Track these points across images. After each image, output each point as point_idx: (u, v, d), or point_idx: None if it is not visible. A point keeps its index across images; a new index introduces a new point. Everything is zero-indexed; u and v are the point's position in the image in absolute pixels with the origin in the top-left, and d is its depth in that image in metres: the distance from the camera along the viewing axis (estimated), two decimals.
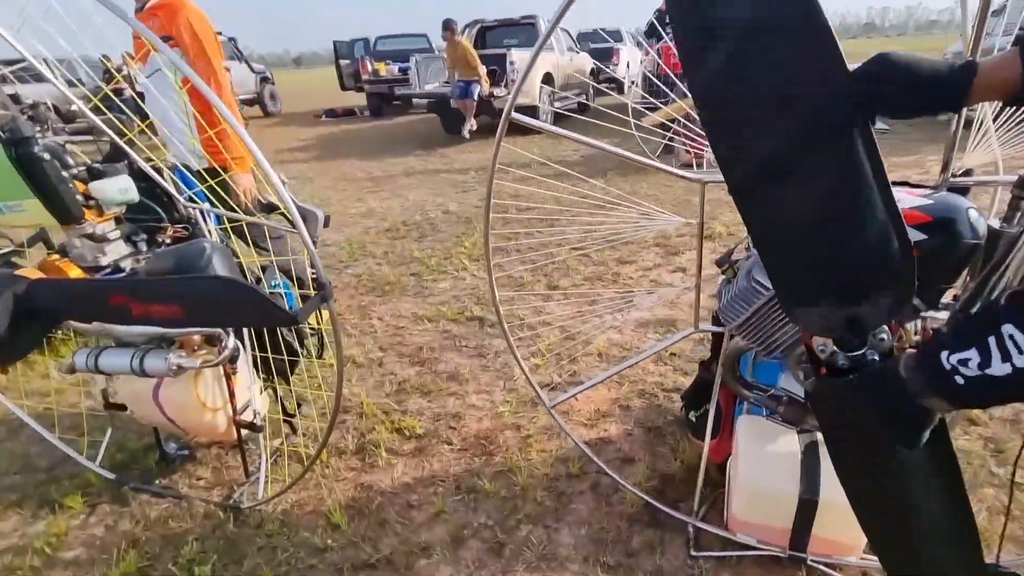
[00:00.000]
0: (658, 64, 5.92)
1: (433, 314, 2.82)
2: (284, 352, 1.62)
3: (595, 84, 10.61)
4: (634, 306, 2.72)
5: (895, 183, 0.99)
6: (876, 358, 0.82)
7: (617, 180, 5.03)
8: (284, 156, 7.87)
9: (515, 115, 1.09)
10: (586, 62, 9.82)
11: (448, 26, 7.30)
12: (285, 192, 1.10)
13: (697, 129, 5.16)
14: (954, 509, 0.81)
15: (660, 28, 5.86)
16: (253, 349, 1.64)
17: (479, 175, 5.82)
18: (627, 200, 1.47)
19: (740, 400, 1.42)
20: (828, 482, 1.17)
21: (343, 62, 13.14)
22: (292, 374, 1.85)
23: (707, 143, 1.06)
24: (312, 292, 1.17)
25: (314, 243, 1.22)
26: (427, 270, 3.41)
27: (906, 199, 0.84)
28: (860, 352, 0.83)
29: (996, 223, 0.89)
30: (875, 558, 1.33)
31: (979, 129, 0.91)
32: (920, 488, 0.81)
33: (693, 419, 1.55)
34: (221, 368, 1.48)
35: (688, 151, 5.36)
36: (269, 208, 1.33)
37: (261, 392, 1.72)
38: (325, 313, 1.76)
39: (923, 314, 0.89)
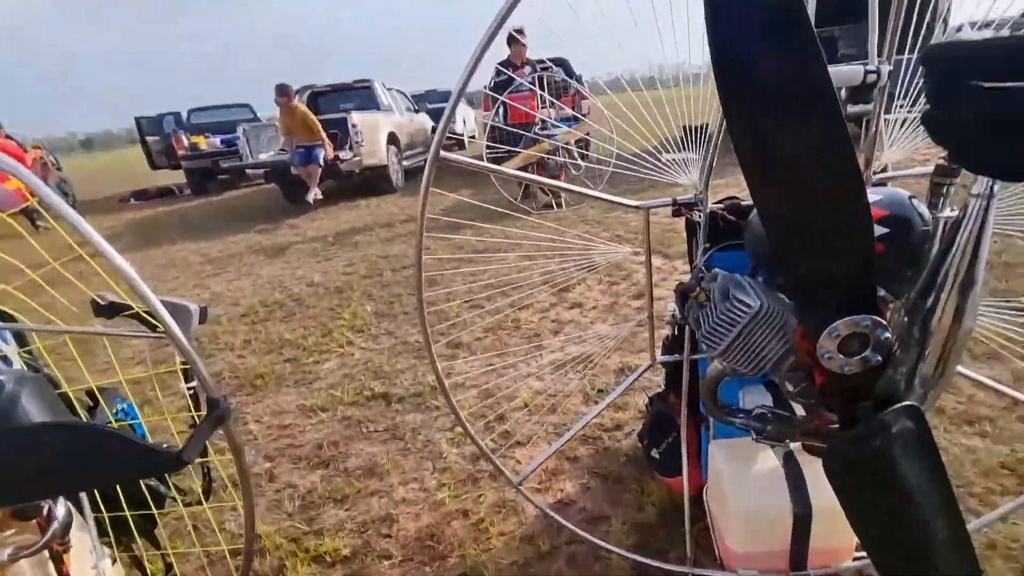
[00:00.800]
0: (505, 116, 6.22)
1: (325, 401, 2.41)
2: (145, 497, 1.18)
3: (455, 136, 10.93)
4: (547, 349, 2.64)
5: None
6: (880, 358, 0.81)
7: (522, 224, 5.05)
8: (86, 249, 6.52)
9: (447, 154, 0.93)
10: (426, 121, 10.04)
11: (284, 91, 6.89)
12: (143, 285, 0.78)
13: (553, 170, 5.39)
14: (945, 501, 0.82)
15: (503, 81, 6.20)
16: (96, 507, 1.16)
17: (340, 241, 5.42)
18: (557, 238, 1.38)
19: (704, 427, 1.37)
20: (816, 489, 1.15)
21: (151, 139, 11.68)
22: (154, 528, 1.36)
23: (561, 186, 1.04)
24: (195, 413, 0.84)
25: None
26: (305, 352, 2.96)
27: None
28: (863, 354, 0.82)
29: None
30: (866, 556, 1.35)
31: (894, 128, 1.01)
32: (923, 491, 0.81)
33: (657, 456, 1.47)
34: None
35: (546, 192, 5.66)
36: (111, 310, 0.96)
37: (114, 563, 1.22)
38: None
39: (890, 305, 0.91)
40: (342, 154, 7.46)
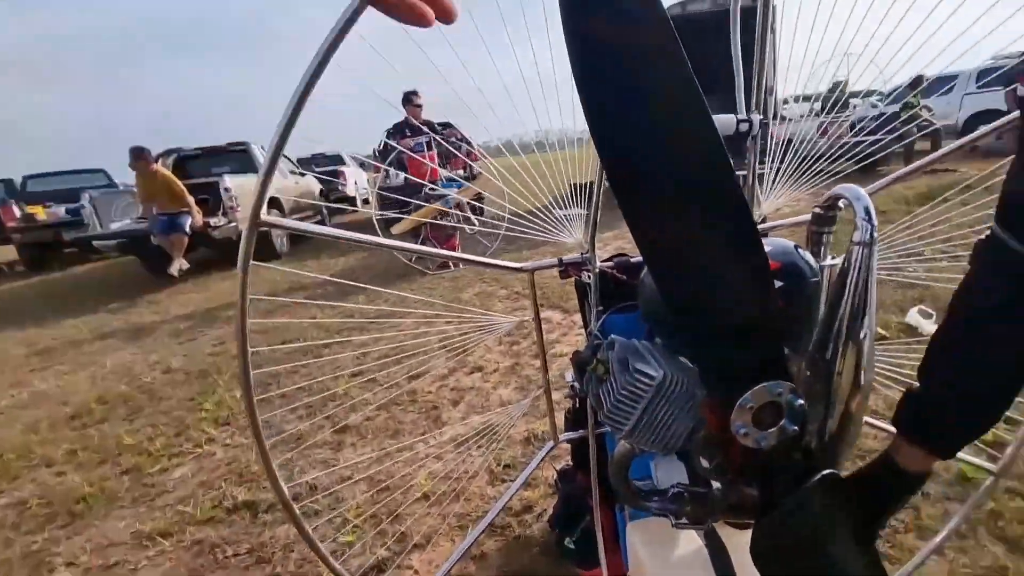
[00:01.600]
0: (396, 175, 6.10)
1: (169, 523, 1.93)
2: None
3: (328, 204, 10.51)
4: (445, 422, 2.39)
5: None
6: (796, 428, 0.72)
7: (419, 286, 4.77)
8: None
9: (268, 218, 0.73)
10: (313, 184, 9.64)
11: (139, 155, 6.18)
12: None
13: (449, 230, 5.28)
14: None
15: (393, 143, 6.12)
16: None
17: (209, 316, 4.78)
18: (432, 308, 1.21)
19: (619, 507, 1.22)
20: (740, 563, 1.03)
21: None
22: None
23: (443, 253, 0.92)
24: None
25: None
26: (149, 459, 2.41)
27: None
28: (778, 424, 0.72)
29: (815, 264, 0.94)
30: None
31: (767, 180, 0.99)
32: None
33: (572, 546, 1.29)
34: None
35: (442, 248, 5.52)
36: None
37: None
38: None
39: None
40: (214, 220, 6.81)
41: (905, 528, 1.47)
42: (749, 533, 1.13)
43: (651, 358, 0.82)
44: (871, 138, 0.97)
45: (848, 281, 0.76)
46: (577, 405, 1.18)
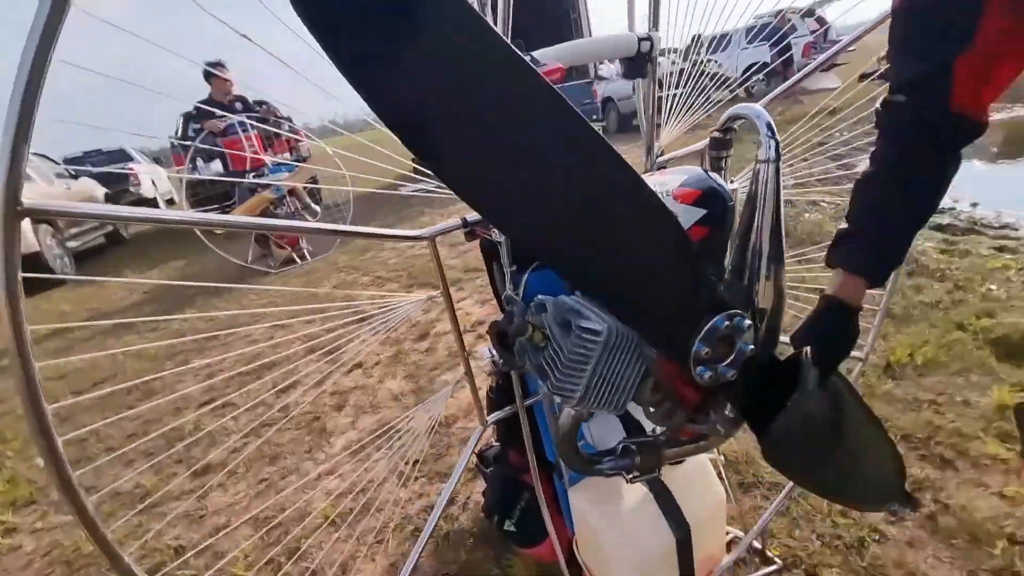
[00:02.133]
0: (206, 166, 5.21)
1: None
2: None
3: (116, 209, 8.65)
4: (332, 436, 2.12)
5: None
6: (751, 345, 0.71)
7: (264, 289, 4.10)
8: None
9: (47, 203, 0.47)
10: (93, 188, 7.84)
11: None
12: None
13: (282, 220, 4.69)
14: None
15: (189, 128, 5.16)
16: None
17: None
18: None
19: (556, 476, 1.17)
20: (687, 506, 1.05)
21: None
22: None
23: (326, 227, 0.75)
24: None
25: None
26: None
27: (669, 179, 0.76)
28: (733, 355, 0.70)
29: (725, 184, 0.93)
30: (734, 531, 1.34)
31: (665, 108, 0.95)
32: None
33: (513, 528, 1.20)
34: None
35: (283, 246, 4.91)
36: None
37: None
38: None
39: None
40: None
41: None
42: (680, 467, 1.15)
43: (590, 313, 0.74)
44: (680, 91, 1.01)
45: (758, 201, 0.76)
46: (500, 381, 1.08)
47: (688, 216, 0.74)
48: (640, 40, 0.76)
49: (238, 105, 4.77)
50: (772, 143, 0.74)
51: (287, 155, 6.46)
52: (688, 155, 0.97)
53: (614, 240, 0.62)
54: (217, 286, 4.19)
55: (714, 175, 0.82)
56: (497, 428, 1.20)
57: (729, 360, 0.68)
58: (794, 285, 1.31)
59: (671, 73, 1.03)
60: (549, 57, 0.72)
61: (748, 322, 0.69)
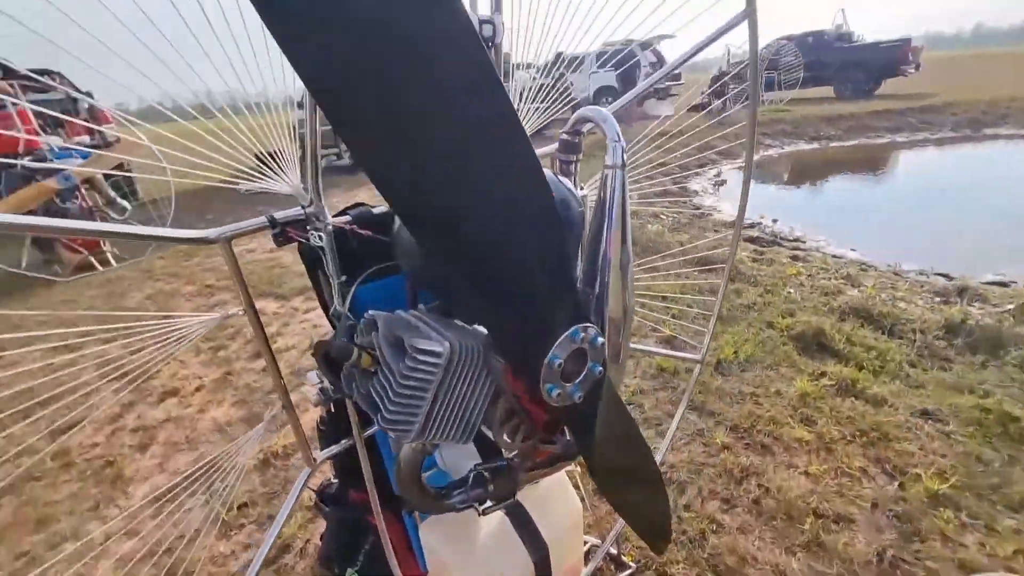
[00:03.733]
0: None
1: None
2: None
3: None
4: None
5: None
6: (601, 368, 0.66)
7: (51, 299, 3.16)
8: None
9: None
10: None
11: None
12: None
13: (77, 215, 3.87)
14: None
15: None
16: None
17: None
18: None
19: (405, 512, 1.03)
20: (544, 523, 0.99)
21: None
22: None
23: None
24: None
25: None
26: None
27: None
28: (584, 373, 0.65)
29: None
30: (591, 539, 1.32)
31: (515, 98, 0.87)
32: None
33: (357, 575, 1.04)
34: None
35: (77, 248, 4.00)
36: None
37: None
38: None
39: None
40: None
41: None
42: (538, 485, 1.09)
43: (430, 330, 0.63)
44: (535, 106, 0.99)
45: (606, 208, 0.72)
46: (332, 410, 0.91)
47: None
48: (481, 22, 0.67)
49: None
50: (618, 148, 0.70)
51: (85, 139, 5.34)
52: (542, 156, 0.92)
53: (502, 210, 0.53)
54: None
55: (563, 179, 0.76)
56: (334, 462, 1.02)
57: (579, 379, 0.62)
58: (640, 293, 1.35)
59: (530, 88, 0.99)
60: None
61: (601, 339, 0.63)
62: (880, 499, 1.38)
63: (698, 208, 5.35)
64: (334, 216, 0.72)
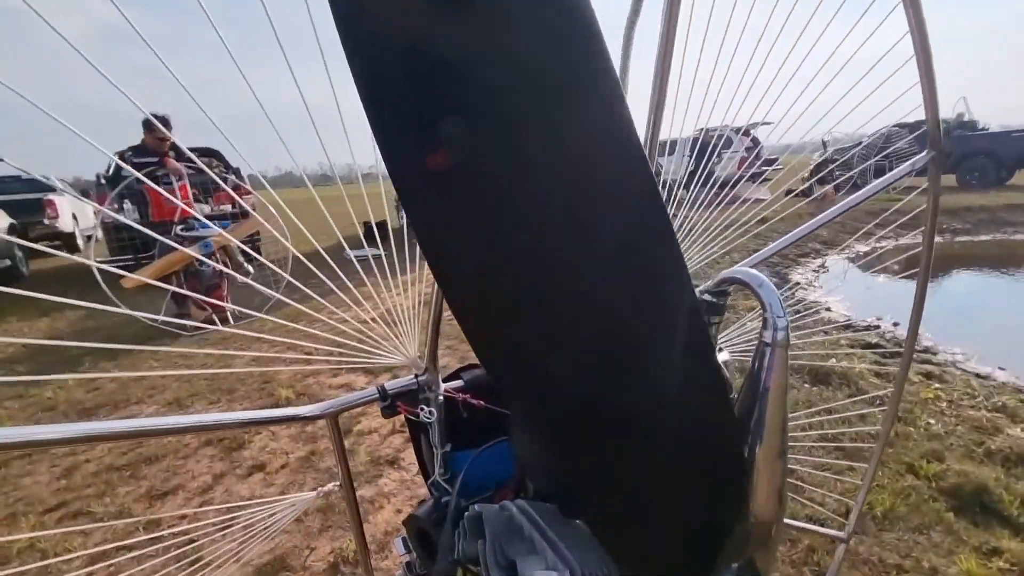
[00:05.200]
0: (132, 209, 4.79)
1: None
2: None
3: (26, 243, 7.80)
4: None
5: None
6: None
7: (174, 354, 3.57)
8: None
9: None
10: None
11: None
12: None
13: (210, 279, 4.29)
14: None
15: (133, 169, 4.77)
16: None
17: None
18: None
19: None
20: None
21: None
22: None
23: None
24: None
25: None
26: None
27: None
28: None
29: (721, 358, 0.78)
30: None
31: None
32: None
33: None
34: None
35: (203, 306, 4.45)
36: None
37: None
38: None
39: None
40: None
41: None
42: None
43: (542, 540, 0.53)
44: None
45: (759, 389, 0.61)
46: None
47: None
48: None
49: (172, 153, 4.49)
50: (780, 323, 0.60)
51: (228, 208, 6.11)
52: None
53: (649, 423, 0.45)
54: (111, 347, 3.66)
55: None
56: None
57: None
58: None
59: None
60: None
61: None
62: None
63: (800, 302, 4.93)
64: (446, 379, 0.67)
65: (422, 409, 0.61)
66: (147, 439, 2.03)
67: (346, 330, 0.67)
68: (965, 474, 1.82)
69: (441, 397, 0.62)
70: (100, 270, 4.10)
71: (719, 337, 0.74)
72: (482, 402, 0.65)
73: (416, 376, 0.61)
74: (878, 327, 4.23)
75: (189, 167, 4.61)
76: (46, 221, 9.09)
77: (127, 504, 2.02)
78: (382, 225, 0.73)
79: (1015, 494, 1.73)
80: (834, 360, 3.16)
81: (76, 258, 0.55)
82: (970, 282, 5.62)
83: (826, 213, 0.83)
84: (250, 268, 4.76)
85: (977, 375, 3.05)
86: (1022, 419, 2.34)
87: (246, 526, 0.68)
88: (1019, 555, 1.48)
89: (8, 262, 7.01)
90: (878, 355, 3.42)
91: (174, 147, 4.64)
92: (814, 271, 6.19)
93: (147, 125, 4.19)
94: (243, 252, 4.90)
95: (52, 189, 9.92)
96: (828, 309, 4.75)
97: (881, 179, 0.83)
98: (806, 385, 2.81)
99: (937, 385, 2.78)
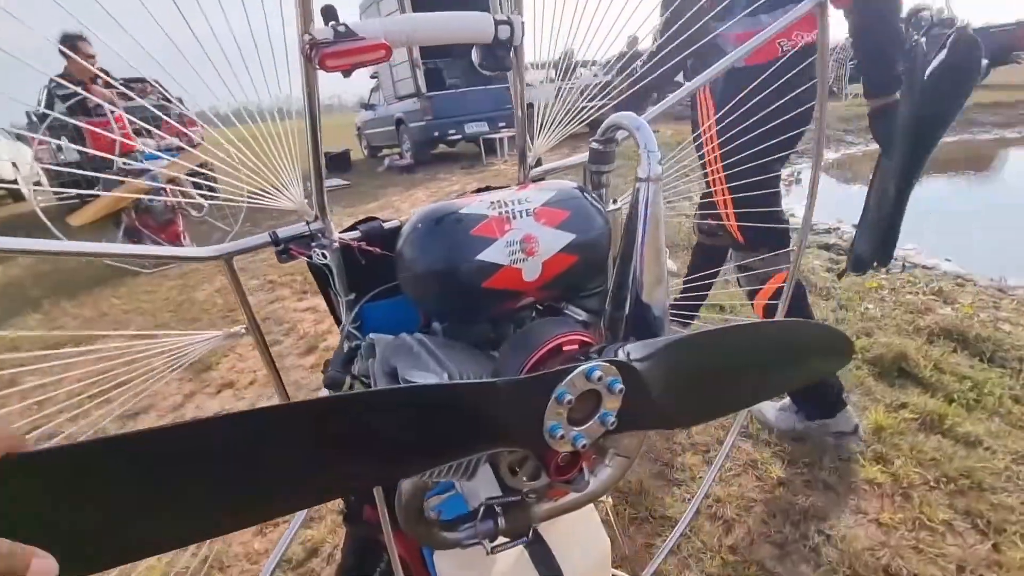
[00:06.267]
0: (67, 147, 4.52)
1: None
2: None
3: None
4: None
5: (479, 190, 0.78)
6: (614, 419, 0.58)
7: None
8: None
9: None
10: None
11: None
12: None
13: (162, 214, 4.16)
14: None
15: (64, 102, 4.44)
16: None
17: None
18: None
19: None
20: (567, 559, 0.92)
21: None
22: None
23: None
24: None
25: None
26: None
27: (533, 195, 0.61)
28: (594, 419, 0.57)
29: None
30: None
31: (539, 110, 0.81)
32: None
33: None
34: None
35: (159, 241, 4.34)
36: None
37: None
38: None
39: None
40: None
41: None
42: (562, 519, 1.02)
43: (429, 358, 0.58)
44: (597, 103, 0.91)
45: (637, 225, 0.64)
46: None
47: (551, 241, 0.60)
48: (497, 23, 0.61)
49: (99, 81, 4.16)
50: (653, 158, 0.62)
51: (175, 142, 5.79)
52: (571, 168, 0.84)
53: None
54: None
55: (589, 195, 0.68)
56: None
57: (585, 426, 0.55)
58: (690, 303, 1.23)
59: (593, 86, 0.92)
60: (373, 31, 0.55)
61: (620, 386, 0.55)
62: (968, 561, 1.19)
63: None
64: (343, 231, 0.68)
65: (315, 252, 0.63)
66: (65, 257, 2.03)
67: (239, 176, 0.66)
68: (889, 345, 1.96)
69: (336, 244, 0.64)
70: (45, 210, 3.93)
71: (610, 187, 0.75)
72: (378, 249, 0.67)
73: (307, 223, 0.63)
74: (838, 229, 4.35)
75: (125, 97, 4.31)
76: None
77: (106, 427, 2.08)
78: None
79: (931, 359, 1.88)
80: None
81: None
82: (933, 184, 5.72)
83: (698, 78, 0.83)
84: (203, 203, 4.60)
85: (923, 267, 3.20)
86: (953, 300, 2.49)
87: (153, 356, 0.71)
88: (922, 408, 1.64)
89: None
90: (833, 253, 3.55)
91: (102, 74, 4.30)
92: (784, 179, 6.23)
93: (68, 44, 3.81)
94: (195, 184, 4.72)
95: None
96: (792, 215, 4.83)
97: (768, 28, 0.82)
98: None
99: (884, 276, 2.91)
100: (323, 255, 0.63)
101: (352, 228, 0.69)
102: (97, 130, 4.05)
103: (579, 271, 0.63)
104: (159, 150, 4.42)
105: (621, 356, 0.54)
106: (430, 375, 0.54)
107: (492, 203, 0.58)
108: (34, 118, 6.32)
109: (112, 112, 4.21)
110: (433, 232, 0.55)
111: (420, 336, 0.63)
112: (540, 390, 0.49)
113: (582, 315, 0.69)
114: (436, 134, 8.67)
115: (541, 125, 0.79)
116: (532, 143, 0.79)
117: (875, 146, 1.44)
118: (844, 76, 9.84)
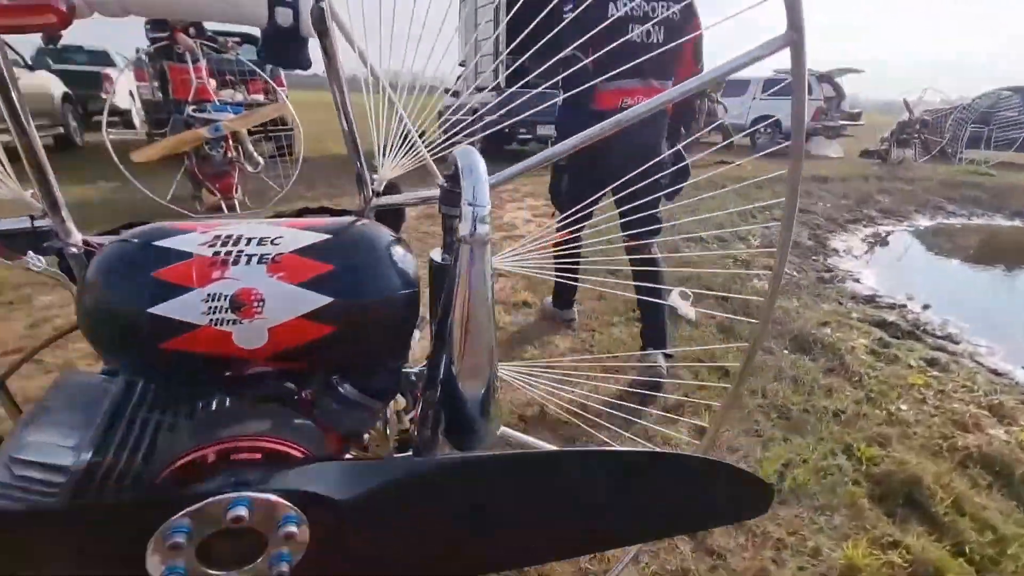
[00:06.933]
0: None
1: None
2: None
3: (81, 114, 8.16)
4: None
5: (311, 210, 0.66)
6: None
7: None
8: None
9: None
10: (49, 84, 7.32)
11: None
12: None
13: (220, 165, 4.31)
14: None
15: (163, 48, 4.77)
16: None
17: None
18: None
19: None
20: None
21: None
22: None
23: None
24: None
25: None
26: None
27: (289, 236, 0.48)
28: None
29: (438, 255, 0.66)
30: None
31: (388, 127, 0.67)
32: None
33: None
34: None
35: (213, 191, 4.55)
36: None
37: None
38: None
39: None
40: None
41: None
42: None
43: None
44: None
45: (454, 296, 0.50)
46: None
47: (286, 303, 0.47)
48: (274, 5, 0.47)
49: (192, 30, 4.40)
50: (474, 214, 0.47)
51: (259, 96, 6.08)
52: (419, 202, 0.70)
53: None
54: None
55: (399, 243, 0.54)
56: None
57: (246, 568, 0.41)
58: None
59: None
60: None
61: (294, 529, 0.40)
62: None
63: (830, 271, 4.52)
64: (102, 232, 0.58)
65: (30, 255, 0.54)
66: None
67: None
68: (904, 464, 1.65)
69: (76, 249, 0.54)
70: (114, 145, 4.21)
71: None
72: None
73: (31, 218, 0.53)
74: (904, 306, 3.84)
75: (208, 47, 4.54)
76: (103, 95, 9.39)
77: None
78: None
79: (951, 493, 1.56)
80: (829, 330, 2.91)
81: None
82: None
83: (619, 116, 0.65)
84: (259, 160, 4.77)
85: (990, 370, 2.74)
86: (1009, 419, 2.09)
87: None
88: (917, 552, 1.34)
89: (61, 130, 7.36)
90: (886, 334, 3.12)
91: (197, 25, 4.55)
92: (863, 240, 5.63)
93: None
94: (267, 139, 4.92)
95: (110, 62, 10.19)
96: (857, 280, 4.35)
97: (732, 59, 0.64)
98: (785, 351, 2.60)
99: (935, 372, 2.51)
100: (39, 260, 0.53)
101: (115, 232, 0.59)
102: (183, 75, 4.31)
103: (338, 345, 0.50)
104: (228, 104, 4.64)
105: (319, 486, 0.40)
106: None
107: (217, 237, 0.46)
108: (144, 56, 6.86)
109: (198, 60, 4.47)
110: (113, 263, 0.44)
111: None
112: (145, 520, 0.36)
113: (353, 397, 0.55)
114: (507, 131, 8.59)
115: (387, 147, 0.66)
116: (380, 166, 0.66)
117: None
118: (962, 138, 8.76)
